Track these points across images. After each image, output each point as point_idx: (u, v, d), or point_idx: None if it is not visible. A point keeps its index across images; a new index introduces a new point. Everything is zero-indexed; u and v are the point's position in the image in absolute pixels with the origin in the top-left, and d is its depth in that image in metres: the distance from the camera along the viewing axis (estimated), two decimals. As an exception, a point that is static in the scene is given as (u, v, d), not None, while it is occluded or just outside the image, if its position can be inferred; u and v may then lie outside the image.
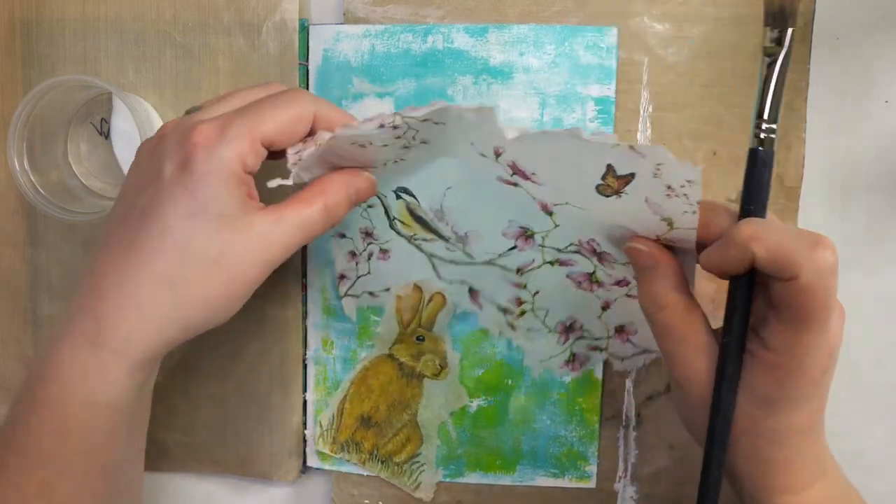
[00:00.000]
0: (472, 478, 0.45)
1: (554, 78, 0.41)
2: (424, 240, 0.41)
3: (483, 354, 0.44)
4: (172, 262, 0.32)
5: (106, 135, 0.45)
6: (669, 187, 0.31)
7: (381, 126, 0.33)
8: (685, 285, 0.34)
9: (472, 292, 0.42)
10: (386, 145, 0.35)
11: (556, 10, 0.42)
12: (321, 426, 0.45)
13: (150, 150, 0.34)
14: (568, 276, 0.41)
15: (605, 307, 0.41)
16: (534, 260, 0.41)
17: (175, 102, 0.44)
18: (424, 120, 0.33)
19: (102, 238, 0.34)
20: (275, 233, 0.33)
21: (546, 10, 0.42)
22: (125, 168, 0.44)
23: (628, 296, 0.40)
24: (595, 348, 0.43)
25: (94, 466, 0.34)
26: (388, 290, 0.43)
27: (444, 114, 0.32)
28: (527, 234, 0.40)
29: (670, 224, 0.33)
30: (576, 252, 0.39)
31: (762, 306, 0.32)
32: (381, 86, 0.42)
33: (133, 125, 0.41)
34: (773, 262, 0.30)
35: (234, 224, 0.33)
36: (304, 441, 0.46)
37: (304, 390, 0.45)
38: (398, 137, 0.34)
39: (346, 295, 0.44)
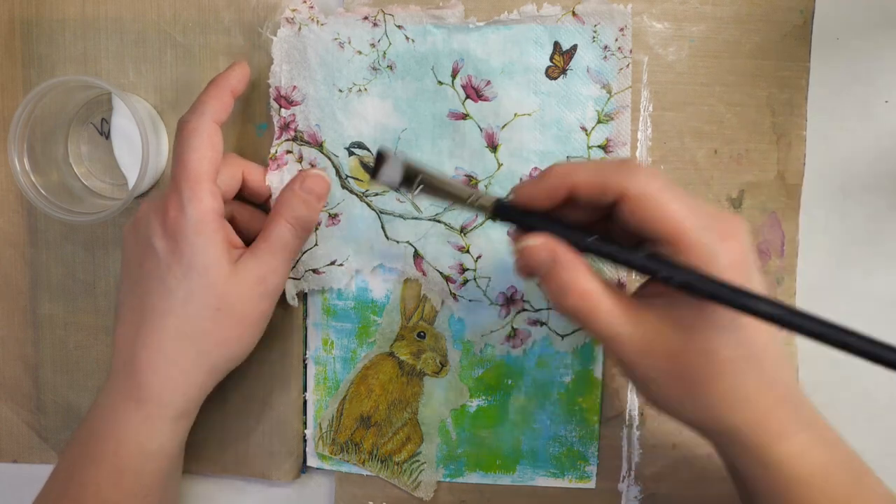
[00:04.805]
0: (472, 478, 0.45)
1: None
2: (376, 194, 0.42)
3: (483, 354, 0.44)
4: (183, 318, 0.37)
5: (106, 135, 0.45)
6: (606, 48, 0.40)
7: (365, 18, 0.40)
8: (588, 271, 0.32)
9: (417, 257, 0.43)
10: (360, 52, 0.41)
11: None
12: (321, 428, 0.45)
13: (134, 232, 0.38)
14: (508, 234, 0.42)
15: None
16: (476, 215, 0.42)
17: (175, 102, 0.44)
18: (399, 27, 0.40)
19: (119, 313, 0.39)
20: (259, 267, 0.38)
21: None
22: (125, 168, 0.44)
23: None
24: (536, 322, 0.43)
25: None
26: (332, 263, 0.43)
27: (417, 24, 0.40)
28: (472, 184, 0.42)
29: (609, 91, 0.40)
30: None
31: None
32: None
33: (133, 125, 0.41)
34: (593, 185, 0.30)
35: (223, 273, 0.37)
36: (304, 441, 0.46)
37: (305, 390, 0.45)
38: (372, 46, 0.41)
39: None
